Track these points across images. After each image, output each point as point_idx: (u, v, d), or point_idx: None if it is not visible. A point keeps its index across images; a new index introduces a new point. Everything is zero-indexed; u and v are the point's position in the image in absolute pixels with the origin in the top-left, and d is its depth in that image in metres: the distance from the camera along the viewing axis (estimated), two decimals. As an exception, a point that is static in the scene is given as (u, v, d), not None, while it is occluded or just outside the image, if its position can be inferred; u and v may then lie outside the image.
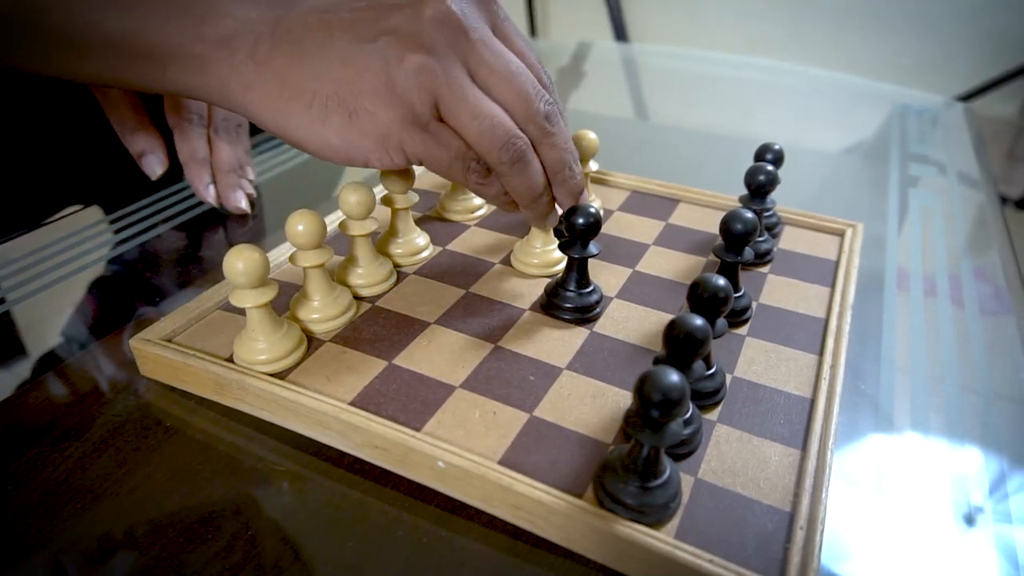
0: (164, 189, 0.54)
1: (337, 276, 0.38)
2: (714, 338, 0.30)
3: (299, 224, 0.33)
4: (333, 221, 0.44)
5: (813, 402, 0.32)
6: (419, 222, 0.45)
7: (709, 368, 0.31)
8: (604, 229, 0.46)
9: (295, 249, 0.34)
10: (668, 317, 0.36)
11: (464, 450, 0.28)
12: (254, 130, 0.64)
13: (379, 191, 0.46)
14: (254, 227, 0.50)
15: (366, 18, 0.31)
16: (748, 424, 0.31)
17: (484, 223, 0.46)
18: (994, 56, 1.81)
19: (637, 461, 0.26)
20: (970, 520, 0.29)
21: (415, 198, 0.41)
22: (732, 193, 0.48)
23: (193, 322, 0.36)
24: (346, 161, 0.32)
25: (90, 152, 0.62)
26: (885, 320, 0.41)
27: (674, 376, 0.23)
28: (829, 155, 0.70)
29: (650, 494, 0.25)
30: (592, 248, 0.36)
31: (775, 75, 0.97)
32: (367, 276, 0.38)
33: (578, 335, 0.36)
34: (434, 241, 0.43)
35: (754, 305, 0.39)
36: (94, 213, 0.52)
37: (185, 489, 0.29)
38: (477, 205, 0.47)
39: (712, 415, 0.31)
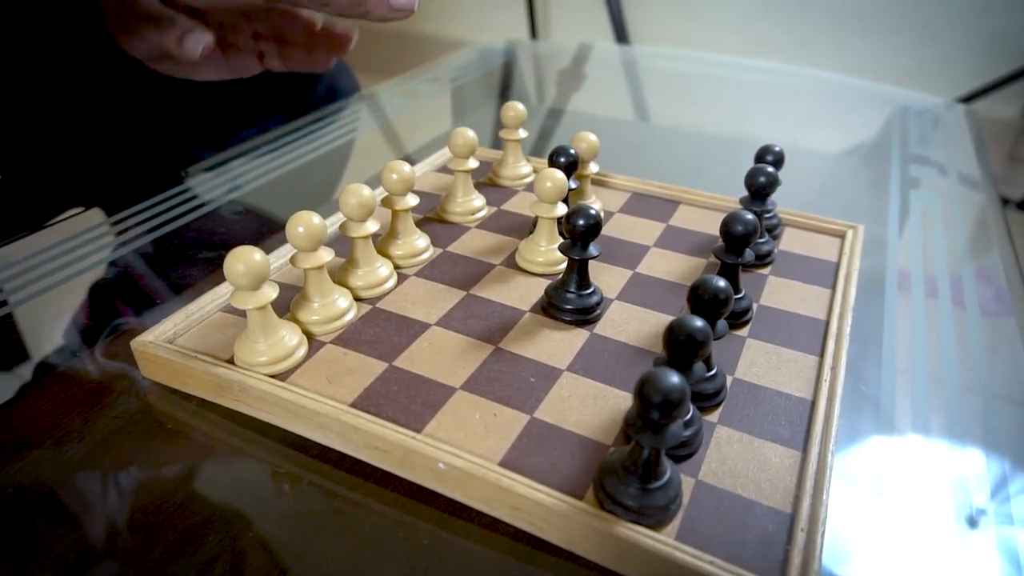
0: (165, 191, 0.54)
1: (337, 278, 0.38)
2: (715, 340, 0.30)
3: (299, 226, 0.33)
4: (333, 223, 0.44)
5: (814, 404, 0.32)
6: (419, 224, 0.45)
7: (710, 370, 0.31)
8: (604, 231, 0.46)
9: (295, 251, 0.34)
10: (669, 319, 0.36)
11: (464, 452, 0.28)
12: (251, 134, 0.64)
13: (379, 193, 0.46)
14: (255, 229, 0.50)
15: None
16: (749, 426, 0.31)
17: (484, 225, 0.46)
18: (995, 58, 1.80)
19: (637, 463, 0.25)
20: (972, 522, 0.29)
21: (415, 200, 0.41)
22: (733, 195, 0.48)
23: (194, 324, 0.36)
24: None
25: (92, 154, 0.62)
26: (886, 321, 0.41)
27: (674, 378, 0.23)
28: (830, 157, 0.70)
29: (650, 496, 0.25)
30: (592, 250, 0.36)
31: (775, 77, 0.97)
32: (367, 278, 0.38)
33: (578, 337, 0.36)
34: (434, 243, 0.43)
35: (755, 307, 0.39)
36: (95, 215, 0.52)
37: (186, 491, 0.29)
38: (478, 207, 0.47)
39: (712, 416, 0.31)
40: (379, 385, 0.32)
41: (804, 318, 0.38)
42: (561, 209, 0.39)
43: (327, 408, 0.30)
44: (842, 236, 0.46)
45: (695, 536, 0.25)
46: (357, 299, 0.38)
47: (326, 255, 0.34)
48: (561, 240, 0.38)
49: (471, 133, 0.45)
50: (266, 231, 0.50)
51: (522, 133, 0.51)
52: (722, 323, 0.31)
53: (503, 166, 0.52)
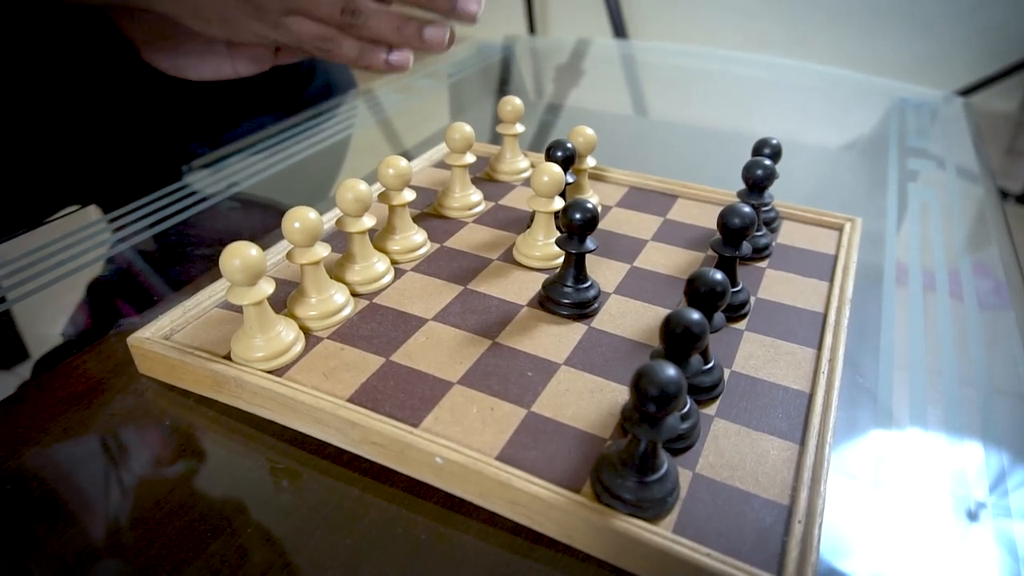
0: (162, 188, 0.53)
1: (334, 273, 0.38)
2: (712, 333, 0.30)
3: (296, 221, 0.33)
4: (330, 219, 0.44)
5: (811, 396, 0.32)
6: (416, 219, 0.45)
7: (707, 362, 0.31)
8: (602, 225, 0.46)
9: (292, 247, 0.34)
10: (666, 312, 0.36)
11: (462, 446, 0.28)
12: (249, 133, 0.64)
13: (376, 188, 0.46)
14: (250, 225, 0.50)
15: None
16: (746, 418, 0.31)
17: (482, 219, 0.46)
18: (993, 51, 1.80)
19: (635, 456, 0.25)
20: (969, 514, 0.29)
21: (412, 195, 0.41)
22: (731, 189, 0.48)
23: (191, 320, 0.36)
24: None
25: (88, 152, 0.62)
26: (884, 315, 0.41)
27: (671, 370, 0.23)
28: (828, 150, 0.70)
29: (648, 488, 0.25)
30: (589, 243, 0.36)
31: (773, 71, 0.97)
32: (364, 273, 0.38)
33: (576, 331, 0.36)
34: (431, 238, 0.43)
35: (752, 300, 0.39)
36: (92, 212, 0.52)
37: (183, 487, 0.29)
38: (475, 202, 0.47)
39: (710, 409, 0.31)
40: (376, 380, 0.32)
41: (802, 311, 0.38)
42: (558, 203, 0.39)
43: (324, 403, 0.30)
44: (840, 229, 0.46)
45: (693, 529, 0.25)
46: (354, 294, 0.38)
47: (323, 251, 0.34)
48: (558, 234, 0.38)
49: (468, 128, 0.45)
50: (263, 227, 0.50)
51: (519, 128, 0.51)
52: (719, 316, 0.32)
53: (500, 161, 0.52)
